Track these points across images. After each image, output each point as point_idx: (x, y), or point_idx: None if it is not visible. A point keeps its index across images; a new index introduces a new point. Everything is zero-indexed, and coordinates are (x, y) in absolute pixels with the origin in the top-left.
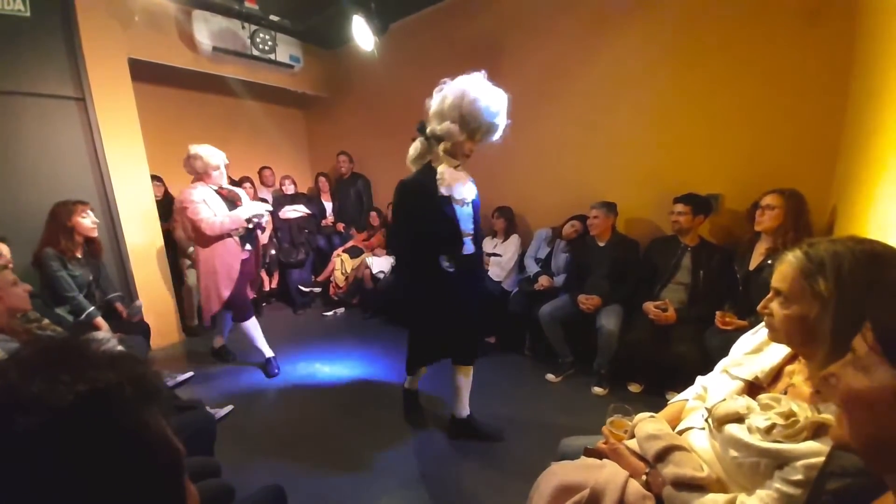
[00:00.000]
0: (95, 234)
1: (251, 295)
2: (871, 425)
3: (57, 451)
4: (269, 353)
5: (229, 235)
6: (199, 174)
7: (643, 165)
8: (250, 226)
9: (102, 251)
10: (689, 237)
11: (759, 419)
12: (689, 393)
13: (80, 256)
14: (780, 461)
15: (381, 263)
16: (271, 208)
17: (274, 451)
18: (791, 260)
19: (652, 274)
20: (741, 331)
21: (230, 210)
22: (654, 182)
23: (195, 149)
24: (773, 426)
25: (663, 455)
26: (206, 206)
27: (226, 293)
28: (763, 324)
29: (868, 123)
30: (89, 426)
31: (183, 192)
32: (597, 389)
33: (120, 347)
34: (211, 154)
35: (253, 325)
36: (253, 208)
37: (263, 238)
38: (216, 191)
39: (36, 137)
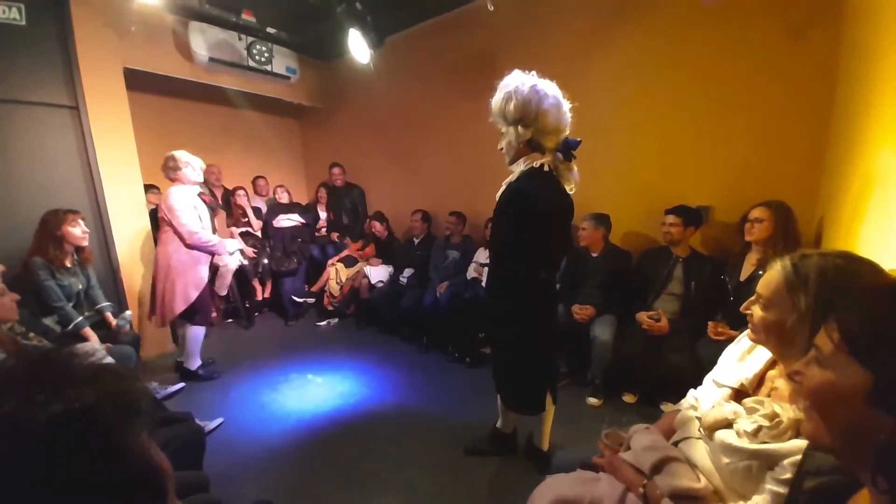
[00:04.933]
0: (85, 243)
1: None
2: (844, 418)
3: (27, 476)
4: (197, 363)
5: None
6: (174, 173)
7: (635, 178)
8: (224, 258)
9: (92, 260)
10: (681, 248)
11: (746, 422)
12: (682, 404)
13: (69, 266)
14: (770, 462)
15: (378, 273)
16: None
17: (264, 464)
18: (778, 269)
19: (644, 284)
20: (733, 341)
21: (211, 217)
22: (646, 194)
23: (171, 153)
24: (759, 428)
25: (660, 466)
26: (194, 214)
27: (194, 294)
28: (744, 332)
29: (852, 137)
30: (63, 449)
31: (168, 190)
32: (591, 400)
33: (108, 359)
34: (182, 154)
35: (201, 333)
36: (236, 245)
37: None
38: (199, 195)
39: (28, 145)
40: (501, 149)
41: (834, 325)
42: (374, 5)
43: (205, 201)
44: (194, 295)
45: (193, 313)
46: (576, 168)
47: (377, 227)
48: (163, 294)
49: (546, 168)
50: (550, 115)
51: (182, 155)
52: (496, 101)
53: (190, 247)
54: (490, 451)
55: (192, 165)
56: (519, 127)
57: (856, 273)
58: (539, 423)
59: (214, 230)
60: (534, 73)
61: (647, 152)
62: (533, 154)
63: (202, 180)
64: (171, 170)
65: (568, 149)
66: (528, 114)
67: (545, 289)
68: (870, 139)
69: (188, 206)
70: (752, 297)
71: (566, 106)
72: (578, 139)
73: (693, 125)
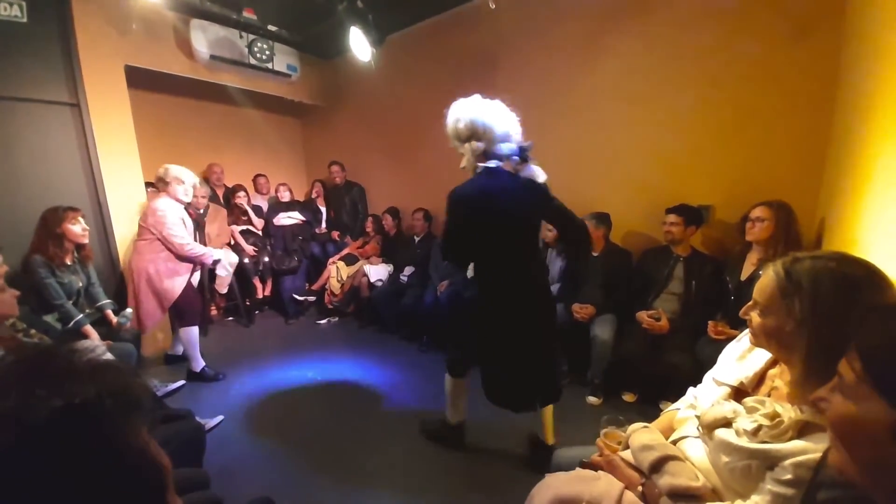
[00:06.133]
0: (85, 240)
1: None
2: (869, 453)
3: (28, 470)
4: (201, 364)
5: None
6: (164, 185)
7: (636, 177)
8: (208, 264)
9: (92, 258)
10: (682, 247)
11: (746, 421)
12: (681, 403)
13: (69, 263)
14: (770, 462)
15: (378, 272)
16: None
17: (264, 462)
18: (771, 275)
19: (645, 284)
20: (733, 340)
21: (195, 231)
22: (647, 193)
23: (166, 166)
24: (759, 427)
25: (658, 465)
26: (183, 227)
27: (179, 291)
28: (746, 331)
29: (853, 137)
30: (63, 444)
31: (157, 202)
32: (591, 399)
33: (108, 355)
34: (178, 169)
35: (196, 333)
36: (220, 255)
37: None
38: (185, 209)
39: (29, 142)
40: (464, 167)
41: (855, 355)
42: (376, 3)
43: (190, 215)
44: (179, 289)
45: (181, 316)
46: (533, 166)
47: (388, 221)
48: (138, 300)
49: (503, 166)
50: (497, 124)
51: (179, 174)
52: (449, 126)
53: (180, 258)
54: (441, 437)
55: (186, 185)
56: (473, 142)
57: (850, 276)
58: (539, 417)
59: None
60: (477, 95)
61: (647, 151)
62: (487, 161)
63: (189, 202)
64: (162, 182)
65: (522, 151)
66: (477, 128)
67: (499, 290)
68: (871, 139)
69: (178, 219)
70: (750, 303)
71: (512, 115)
72: (530, 142)
73: (694, 124)
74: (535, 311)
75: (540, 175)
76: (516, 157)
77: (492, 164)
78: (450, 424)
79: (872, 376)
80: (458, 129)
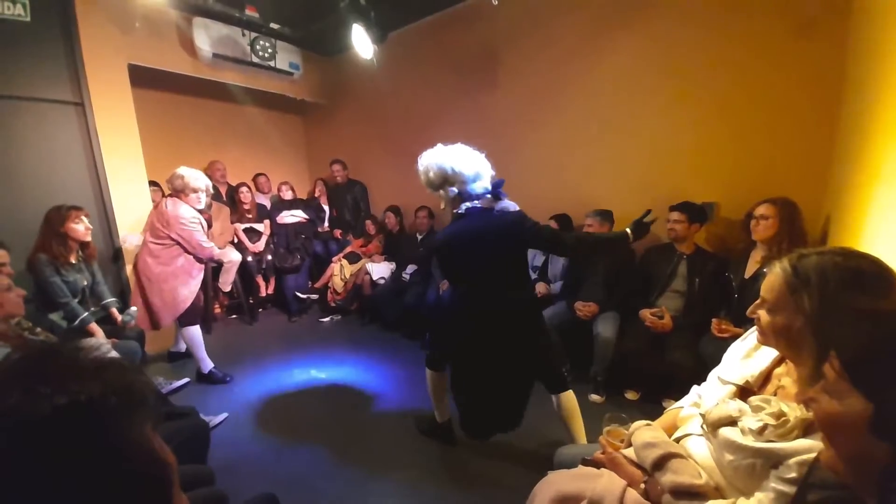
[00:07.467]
0: (88, 238)
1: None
2: (850, 447)
3: (31, 468)
4: (209, 365)
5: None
6: (178, 192)
7: (639, 174)
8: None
9: (96, 256)
10: (685, 245)
11: (751, 420)
12: (685, 401)
13: (74, 262)
14: (775, 460)
15: (380, 270)
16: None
17: (268, 458)
18: (778, 272)
19: (648, 282)
20: (736, 338)
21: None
22: (650, 190)
23: (180, 169)
24: (765, 427)
25: (661, 463)
26: (202, 230)
27: (192, 298)
28: (751, 330)
29: (859, 133)
30: (67, 441)
31: (180, 210)
32: (594, 397)
33: (113, 353)
34: (194, 177)
35: (198, 333)
36: (232, 255)
37: (260, 245)
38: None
39: (34, 142)
40: (444, 209)
41: (835, 354)
42: (378, 0)
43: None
44: (192, 298)
45: (181, 315)
46: (505, 200)
47: (391, 219)
48: (152, 302)
49: (480, 204)
50: (465, 167)
51: (193, 180)
52: (422, 177)
53: (199, 259)
54: (433, 433)
55: (199, 194)
56: (447, 187)
57: (857, 269)
58: (563, 424)
59: None
60: (439, 144)
61: (650, 148)
62: (461, 203)
63: (204, 207)
64: (178, 189)
65: (495, 188)
66: (447, 174)
67: (463, 300)
68: (878, 136)
69: (199, 225)
70: (758, 301)
71: (479, 155)
72: (502, 179)
73: (698, 120)
74: (499, 341)
75: (511, 207)
76: (489, 196)
77: (462, 208)
78: (437, 422)
79: (849, 372)
80: (430, 178)
